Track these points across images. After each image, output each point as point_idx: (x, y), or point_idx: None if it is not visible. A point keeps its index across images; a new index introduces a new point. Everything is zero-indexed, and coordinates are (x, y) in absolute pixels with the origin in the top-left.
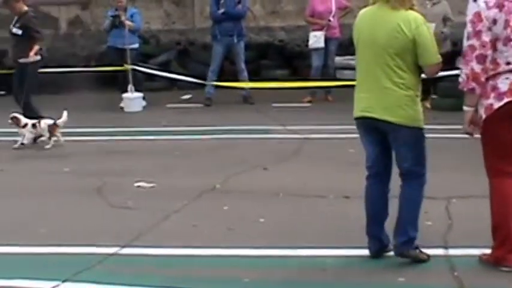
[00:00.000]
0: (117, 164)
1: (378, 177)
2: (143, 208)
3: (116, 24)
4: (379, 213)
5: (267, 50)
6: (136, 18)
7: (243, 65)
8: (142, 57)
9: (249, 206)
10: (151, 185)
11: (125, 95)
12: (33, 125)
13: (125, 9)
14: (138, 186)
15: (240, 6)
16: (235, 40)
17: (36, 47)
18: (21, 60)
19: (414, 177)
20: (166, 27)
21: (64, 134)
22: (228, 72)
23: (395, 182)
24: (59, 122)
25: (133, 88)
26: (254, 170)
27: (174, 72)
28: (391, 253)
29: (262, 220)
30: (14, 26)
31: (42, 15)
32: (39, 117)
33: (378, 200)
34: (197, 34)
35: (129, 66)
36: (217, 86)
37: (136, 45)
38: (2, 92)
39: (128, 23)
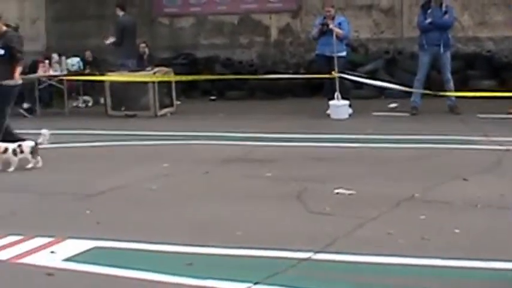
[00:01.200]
0: (320, 170)
1: None
2: (340, 214)
3: (324, 30)
4: None
5: (474, 61)
6: (344, 26)
7: (449, 75)
8: (351, 65)
9: (445, 216)
10: (351, 192)
11: (331, 102)
12: (14, 151)
13: (333, 18)
14: (337, 193)
15: (446, 16)
16: (442, 50)
17: (19, 69)
18: (4, 82)
19: None
20: (375, 36)
21: (270, 140)
22: (434, 81)
23: None
24: (39, 141)
25: (339, 96)
26: (454, 181)
27: (381, 80)
28: None
29: (457, 231)
30: None
31: (253, 23)
32: (19, 140)
33: None
34: (405, 43)
35: (336, 74)
36: (423, 96)
37: (344, 54)
38: None
39: (336, 29)
